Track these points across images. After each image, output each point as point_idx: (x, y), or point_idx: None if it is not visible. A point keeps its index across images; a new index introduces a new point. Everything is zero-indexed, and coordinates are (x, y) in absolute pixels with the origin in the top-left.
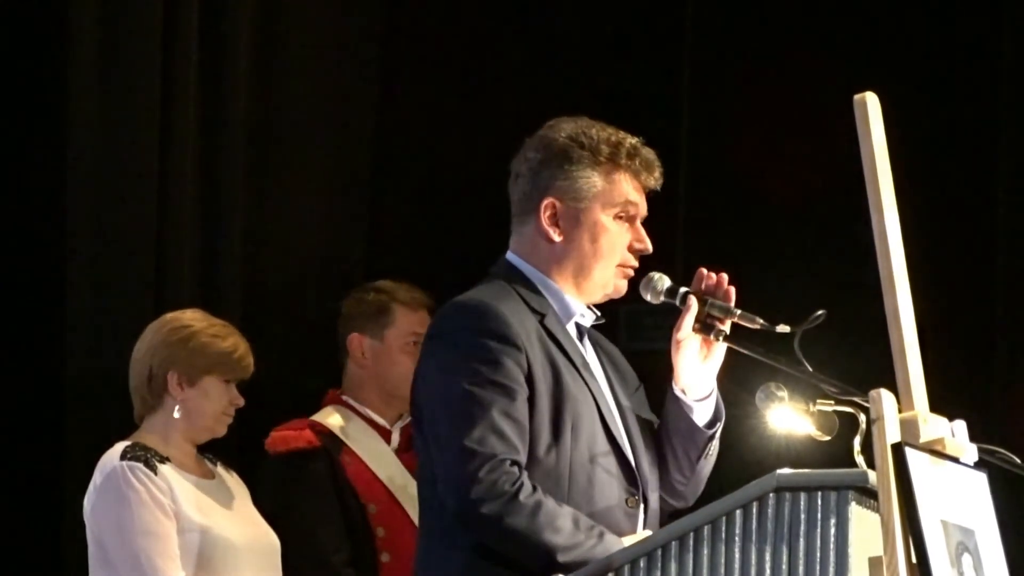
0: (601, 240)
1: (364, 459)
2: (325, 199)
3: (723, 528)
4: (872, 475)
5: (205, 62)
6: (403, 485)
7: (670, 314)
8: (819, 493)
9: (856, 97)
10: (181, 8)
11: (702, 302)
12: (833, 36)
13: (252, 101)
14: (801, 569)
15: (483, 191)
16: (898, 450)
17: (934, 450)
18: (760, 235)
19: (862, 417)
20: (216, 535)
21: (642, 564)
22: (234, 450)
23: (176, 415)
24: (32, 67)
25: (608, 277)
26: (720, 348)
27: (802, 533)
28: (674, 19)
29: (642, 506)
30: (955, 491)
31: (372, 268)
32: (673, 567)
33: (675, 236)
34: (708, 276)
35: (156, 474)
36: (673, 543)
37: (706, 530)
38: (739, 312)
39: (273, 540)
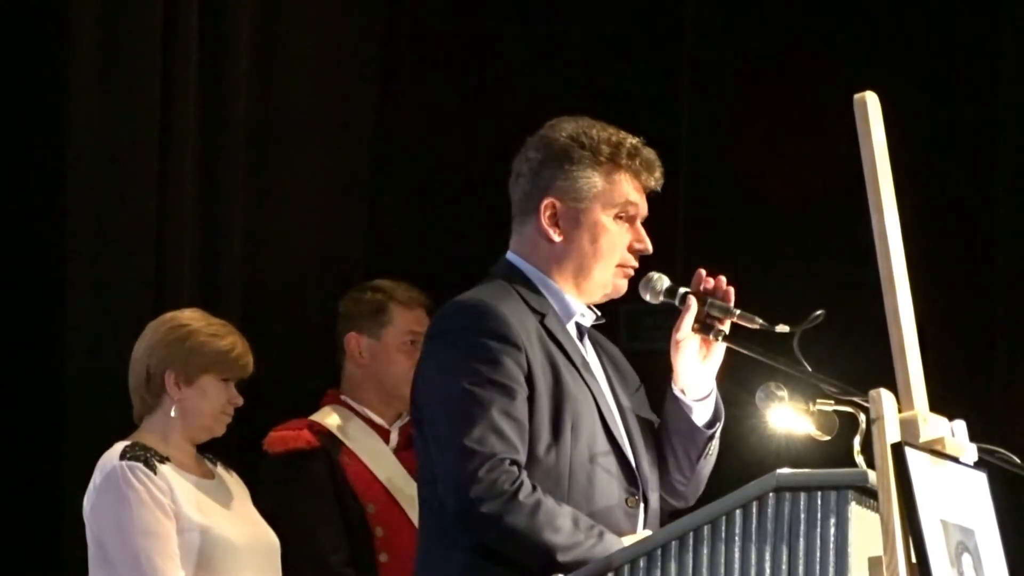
0: (601, 240)
1: (363, 459)
2: (325, 199)
3: (723, 528)
4: (872, 475)
5: (205, 62)
6: (402, 485)
7: (670, 314)
8: (819, 493)
9: (856, 97)
10: (181, 8)
11: (701, 302)
12: (833, 36)
13: (252, 101)
14: (801, 569)
15: (483, 191)
16: (898, 450)
17: (934, 450)
18: (760, 235)
19: (862, 417)
20: (216, 535)
21: (642, 564)
22: (234, 450)
23: (173, 414)
24: (32, 67)
25: (608, 277)
26: (719, 348)
27: (802, 533)
28: (674, 19)
29: (642, 506)
30: (955, 491)
31: (372, 268)
32: (673, 567)
33: (675, 236)
34: (706, 280)
35: (156, 474)
36: (673, 543)
37: (706, 530)
38: (738, 312)
39: (273, 540)
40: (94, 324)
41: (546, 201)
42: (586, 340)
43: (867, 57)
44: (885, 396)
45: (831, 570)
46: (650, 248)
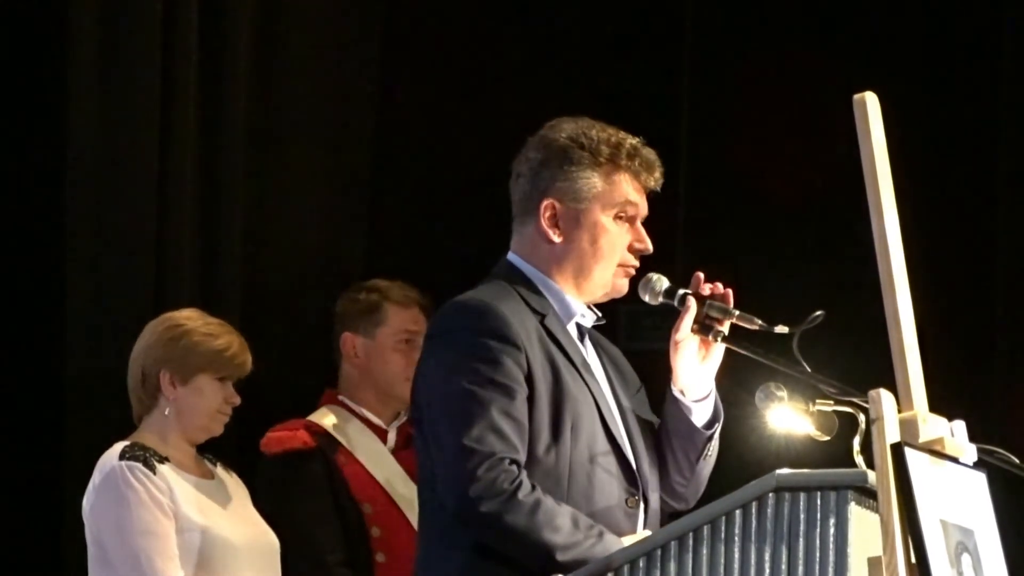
0: (601, 241)
1: (360, 459)
2: (325, 199)
3: (723, 528)
4: (871, 475)
5: (205, 62)
6: (399, 486)
7: (670, 314)
8: (818, 493)
9: (856, 97)
10: (181, 8)
11: (701, 303)
12: (833, 36)
13: (252, 101)
14: (800, 569)
15: (483, 191)
16: (897, 450)
17: (933, 450)
18: (760, 235)
19: (861, 417)
20: (216, 535)
21: (641, 564)
22: (234, 450)
23: (167, 412)
24: (32, 67)
25: (608, 277)
26: (719, 349)
27: (801, 533)
28: (674, 19)
29: (642, 506)
30: (954, 491)
31: (372, 268)
32: (672, 567)
33: (675, 236)
34: (702, 287)
35: (155, 474)
36: (672, 543)
37: (705, 530)
38: (737, 313)
39: (272, 540)
40: (94, 324)
41: (546, 202)
42: (587, 341)
43: (867, 57)
44: (885, 396)
45: (831, 570)
46: (650, 248)
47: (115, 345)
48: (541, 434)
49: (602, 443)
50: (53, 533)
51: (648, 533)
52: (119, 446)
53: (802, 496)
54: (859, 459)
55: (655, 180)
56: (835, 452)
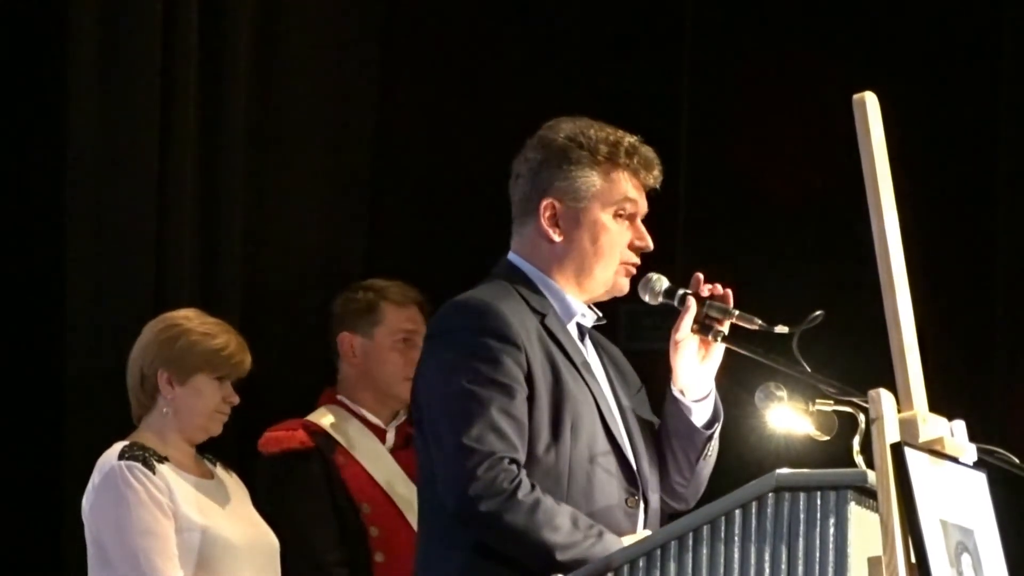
0: (601, 239)
1: (359, 459)
2: (325, 199)
3: (722, 528)
4: (871, 475)
5: (205, 62)
6: (398, 485)
7: (670, 314)
8: (818, 493)
9: (856, 97)
10: (181, 8)
11: (700, 303)
12: (833, 36)
13: (252, 101)
14: (800, 569)
15: (483, 191)
16: (897, 450)
17: (933, 450)
18: (760, 235)
19: (861, 417)
20: (215, 535)
21: (641, 564)
22: (233, 451)
23: (165, 412)
24: (32, 67)
25: (610, 275)
26: (718, 349)
27: (801, 533)
28: (674, 19)
29: (642, 506)
30: (954, 491)
31: (372, 268)
32: (672, 567)
33: (675, 236)
34: (702, 288)
35: (154, 473)
36: (672, 543)
37: (705, 530)
38: (737, 313)
39: (272, 540)
40: (94, 324)
41: (545, 202)
42: (587, 340)
43: (867, 57)
44: (884, 396)
45: (830, 570)
46: (651, 245)
47: (115, 345)
48: (541, 434)
49: (602, 443)
50: (53, 533)
51: (648, 533)
52: (118, 446)
53: (802, 496)
54: (859, 459)
55: (654, 178)
56: (835, 452)
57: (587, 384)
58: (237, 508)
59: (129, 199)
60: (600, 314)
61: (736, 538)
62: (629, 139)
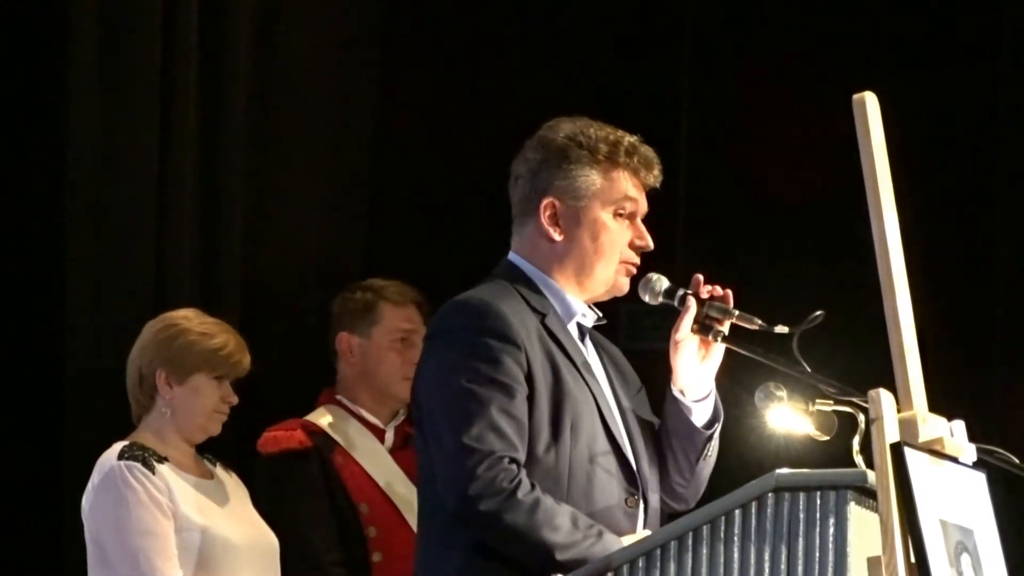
0: (602, 238)
1: (358, 459)
2: (325, 199)
3: (722, 528)
4: (871, 475)
5: (205, 62)
6: (397, 485)
7: (670, 314)
8: (818, 493)
9: (855, 97)
10: (181, 8)
11: (700, 303)
12: (833, 36)
13: (252, 101)
14: (800, 569)
15: (483, 191)
16: (897, 450)
17: (933, 450)
18: (760, 235)
19: (861, 417)
20: (215, 535)
21: (641, 564)
22: (233, 450)
23: (163, 411)
24: (32, 67)
25: (610, 274)
26: (718, 349)
27: (801, 533)
28: (674, 19)
29: (642, 506)
30: (954, 491)
31: (372, 268)
32: (672, 567)
33: (675, 236)
34: (702, 290)
35: (154, 473)
36: (672, 543)
37: (705, 530)
38: (737, 313)
39: (272, 540)
40: (94, 324)
41: (546, 201)
42: (587, 340)
43: (867, 57)
44: (884, 396)
45: (830, 570)
46: (651, 244)
47: (115, 345)
48: (541, 433)
49: (602, 443)
50: (53, 533)
51: (648, 533)
52: (118, 446)
53: (801, 496)
54: (859, 459)
55: (654, 177)
56: (835, 452)
57: (587, 384)
58: (237, 508)
59: (129, 199)
60: (600, 314)
61: (736, 538)
62: (629, 139)
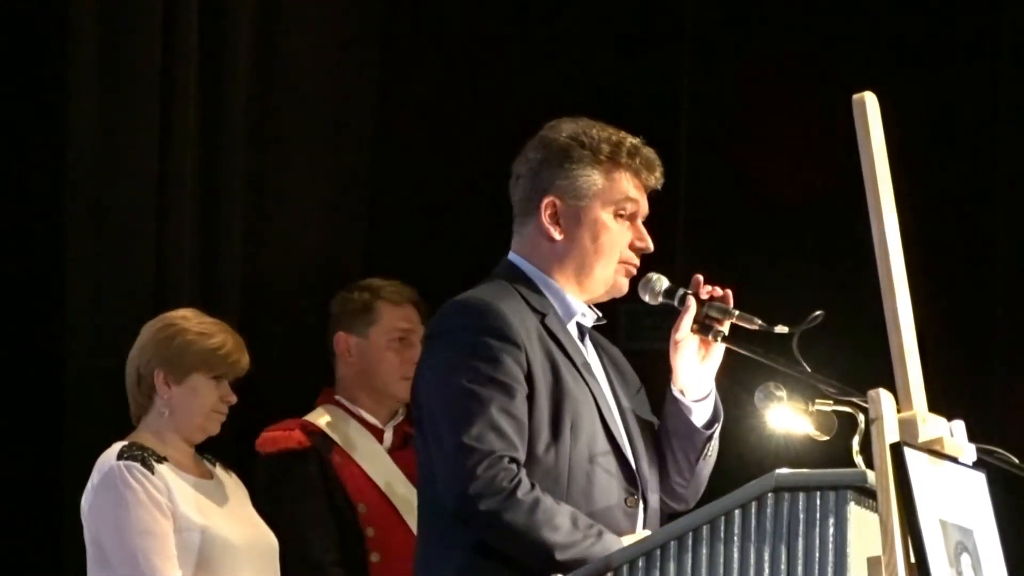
0: (602, 238)
1: (356, 459)
2: (325, 199)
3: (722, 528)
4: (871, 475)
5: (205, 62)
6: (396, 485)
7: (670, 314)
8: (818, 493)
9: (855, 97)
10: (181, 8)
11: (700, 303)
12: (833, 36)
13: (252, 101)
14: (800, 569)
15: (483, 191)
16: (897, 450)
17: (933, 450)
18: (760, 235)
19: (861, 417)
20: (215, 535)
21: (641, 564)
22: (233, 451)
23: (162, 411)
24: (32, 67)
25: (610, 275)
26: (718, 349)
27: (801, 533)
28: (674, 19)
29: (641, 506)
30: (954, 491)
31: (372, 268)
32: (672, 567)
33: (675, 236)
34: (702, 290)
35: (153, 473)
36: (672, 543)
37: (705, 530)
38: (737, 313)
39: (272, 540)
40: (94, 324)
41: (546, 200)
42: (587, 340)
43: (867, 57)
44: (884, 396)
45: (830, 570)
46: (651, 246)
47: (115, 345)
48: (541, 433)
49: (602, 443)
50: (53, 533)
51: (647, 533)
52: (117, 446)
53: (801, 496)
54: (858, 459)
55: (655, 179)
56: (835, 452)
57: (587, 384)
58: (236, 508)
59: (129, 199)
60: (600, 314)
61: (736, 538)
62: (631, 140)
